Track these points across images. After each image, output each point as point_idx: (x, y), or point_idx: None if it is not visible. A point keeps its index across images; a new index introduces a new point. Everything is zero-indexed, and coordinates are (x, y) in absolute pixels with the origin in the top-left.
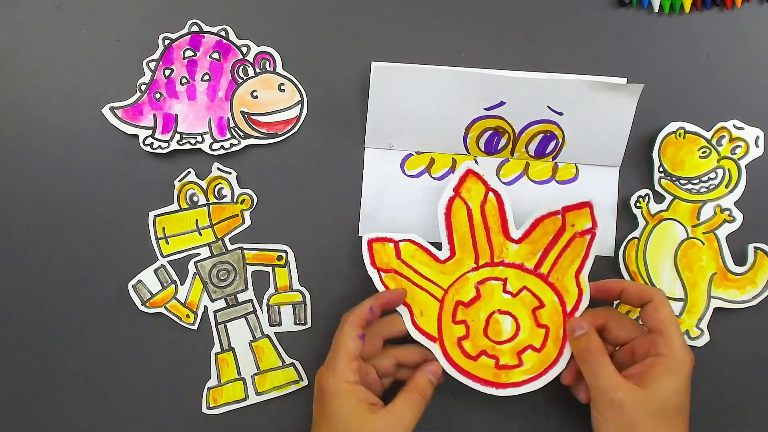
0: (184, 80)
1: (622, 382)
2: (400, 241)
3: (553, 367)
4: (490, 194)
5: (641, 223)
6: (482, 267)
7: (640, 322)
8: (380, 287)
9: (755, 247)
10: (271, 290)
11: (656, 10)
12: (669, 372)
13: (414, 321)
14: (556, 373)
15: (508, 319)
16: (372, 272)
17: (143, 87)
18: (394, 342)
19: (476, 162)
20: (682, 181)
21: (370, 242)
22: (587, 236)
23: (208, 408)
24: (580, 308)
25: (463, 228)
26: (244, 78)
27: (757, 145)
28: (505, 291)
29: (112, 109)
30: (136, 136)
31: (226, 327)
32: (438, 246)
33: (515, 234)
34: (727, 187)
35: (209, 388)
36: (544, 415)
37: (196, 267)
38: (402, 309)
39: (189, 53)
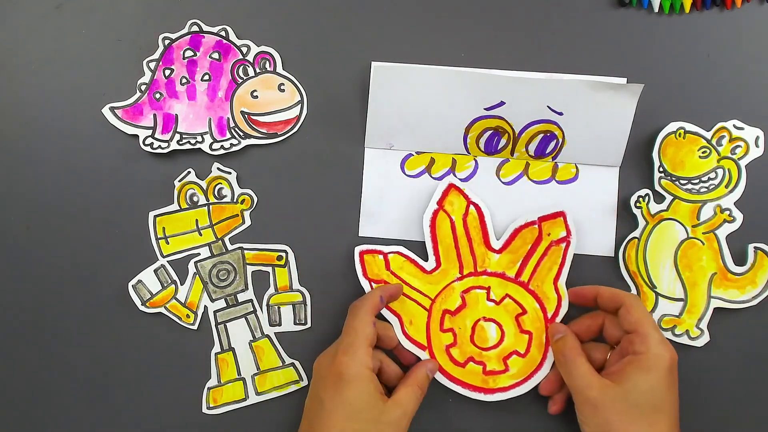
0: (184, 80)
1: (596, 381)
2: (389, 253)
3: (538, 371)
4: (471, 207)
5: (641, 223)
6: (466, 276)
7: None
8: None
9: (755, 247)
10: (271, 290)
11: (656, 10)
12: (643, 368)
13: (404, 330)
14: (541, 376)
15: (492, 326)
16: (364, 282)
17: (143, 87)
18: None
19: (476, 162)
20: (682, 181)
21: (362, 254)
22: (562, 244)
23: (208, 408)
24: (560, 313)
25: (447, 239)
26: (244, 78)
27: (757, 145)
28: (488, 299)
29: (112, 109)
30: (136, 136)
31: (226, 327)
32: (425, 256)
33: (496, 244)
34: (727, 187)
35: (209, 388)
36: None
37: (196, 267)
38: (392, 318)
39: (189, 53)
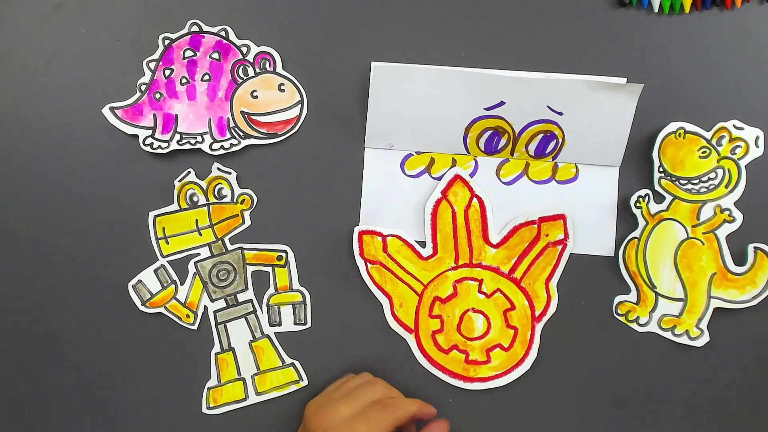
0: (184, 80)
1: None
2: (388, 235)
3: (519, 367)
4: (474, 200)
5: (641, 223)
6: (461, 267)
7: None
8: (366, 277)
9: (755, 247)
10: (271, 290)
11: (656, 10)
12: None
13: (393, 312)
14: (521, 372)
15: (480, 318)
16: (360, 262)
17: (143, 87)
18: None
19: (476, 162)
20: (682, 181)
21: (361, 234)
22: (559, 247)
23: (208, 408)
24: (548, 313)
25: (446, 229)
26: (244, 78)
27: (757, 145)
28: (480, 291)
29: (112, 109)
30: (136, 136)
31: (226, 327)
32: (423, 244)
33: (494, 239)
34: (727, 187)
35: (209, 388)
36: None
37: (196, 267)
38: (383, 299)
39: (189, 53)
